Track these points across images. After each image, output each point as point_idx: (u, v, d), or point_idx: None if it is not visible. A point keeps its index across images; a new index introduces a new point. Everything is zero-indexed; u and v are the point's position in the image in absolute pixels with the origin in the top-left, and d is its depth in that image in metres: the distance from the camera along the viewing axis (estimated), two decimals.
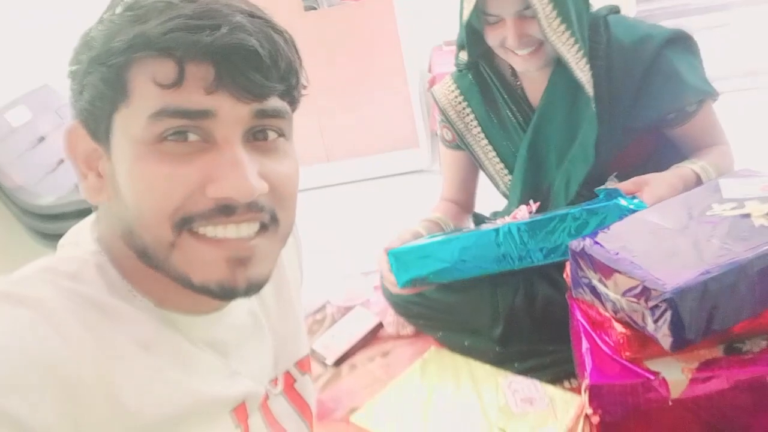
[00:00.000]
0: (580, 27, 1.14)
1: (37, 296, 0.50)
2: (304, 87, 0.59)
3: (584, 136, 1.20)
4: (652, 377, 0.78)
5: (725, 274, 0.72)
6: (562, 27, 1.10)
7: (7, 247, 2.11)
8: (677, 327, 0.72)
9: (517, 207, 1.30)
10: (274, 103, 0.54)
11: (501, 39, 1.15)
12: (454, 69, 1.39)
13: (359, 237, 2.47)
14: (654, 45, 1.18)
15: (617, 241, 0.84)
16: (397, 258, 1.15)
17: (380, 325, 1.41)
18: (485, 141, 1.37)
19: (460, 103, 1.38)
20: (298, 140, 0.61)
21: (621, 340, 0.81)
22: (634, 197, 1.04)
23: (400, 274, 1.15)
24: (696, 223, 0.84)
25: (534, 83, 1.28)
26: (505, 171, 1.38)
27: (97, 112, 0.52)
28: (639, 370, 0.79)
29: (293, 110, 0.58)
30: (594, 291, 0.84)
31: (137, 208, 0.52)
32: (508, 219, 1.13)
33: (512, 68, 1.27)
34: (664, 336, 0.73)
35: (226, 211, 0.52)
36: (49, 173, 2.02)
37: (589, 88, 1.14)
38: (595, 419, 0.81)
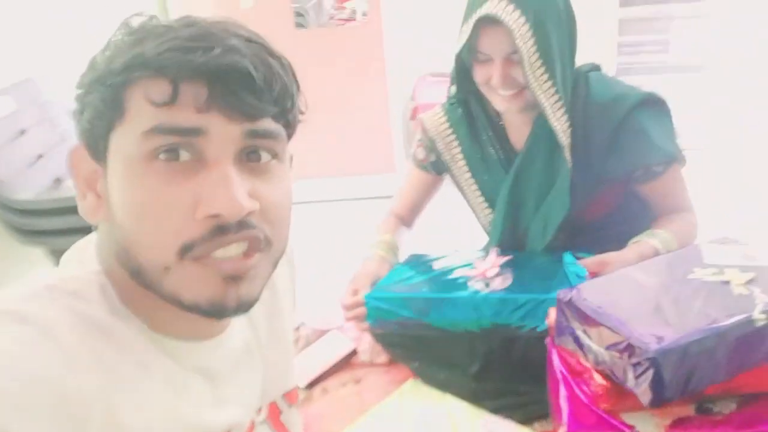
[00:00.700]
0: (563, 79, 1.21)
1: (41, 314, 0.50)
2: (302, 112, 0.61)
3: (561, 182, 1.26)
4: (627, 430, 0.81)
5: (705, 338, 0.76)
6: (545, 76, 1.17)
7: None
8: (657, 385, 0.75)
9: (498, 244, 1.34)
10: (267, 124, 0.55)
11: (487, 77, 1.23)
12: (437, 99, 1.44)
13: (331, 257, 2.47)
14: (627, 105, 1.26)
15: (604, 295, 0.87)
16: (375, 303, 1.21)
17: (354, 352, 1.42)
18: (468, 174, 1.43)
19: (449, 135, 1.43)
20: None
21: (600, 392, 0.84)
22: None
23: (372, 313, 1.22)
24: (678, 285, 0.88)
25: (514, 125, 1.35)
26: (485, 205, 1.44)
27: (96, 131, 0.54)
28: (615, 422, 0.82)
29: (289, 134, 0.60)
30: (577, 341, 0.88)
31: (134, 233, 0.53)
32: (478, 271, 1.17)
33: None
34: (643, 392, 0.76)
35: (219, 231, 0.53)
36: (27, 167, 1.98)
37: (563, 137, 1.21)
38: None
